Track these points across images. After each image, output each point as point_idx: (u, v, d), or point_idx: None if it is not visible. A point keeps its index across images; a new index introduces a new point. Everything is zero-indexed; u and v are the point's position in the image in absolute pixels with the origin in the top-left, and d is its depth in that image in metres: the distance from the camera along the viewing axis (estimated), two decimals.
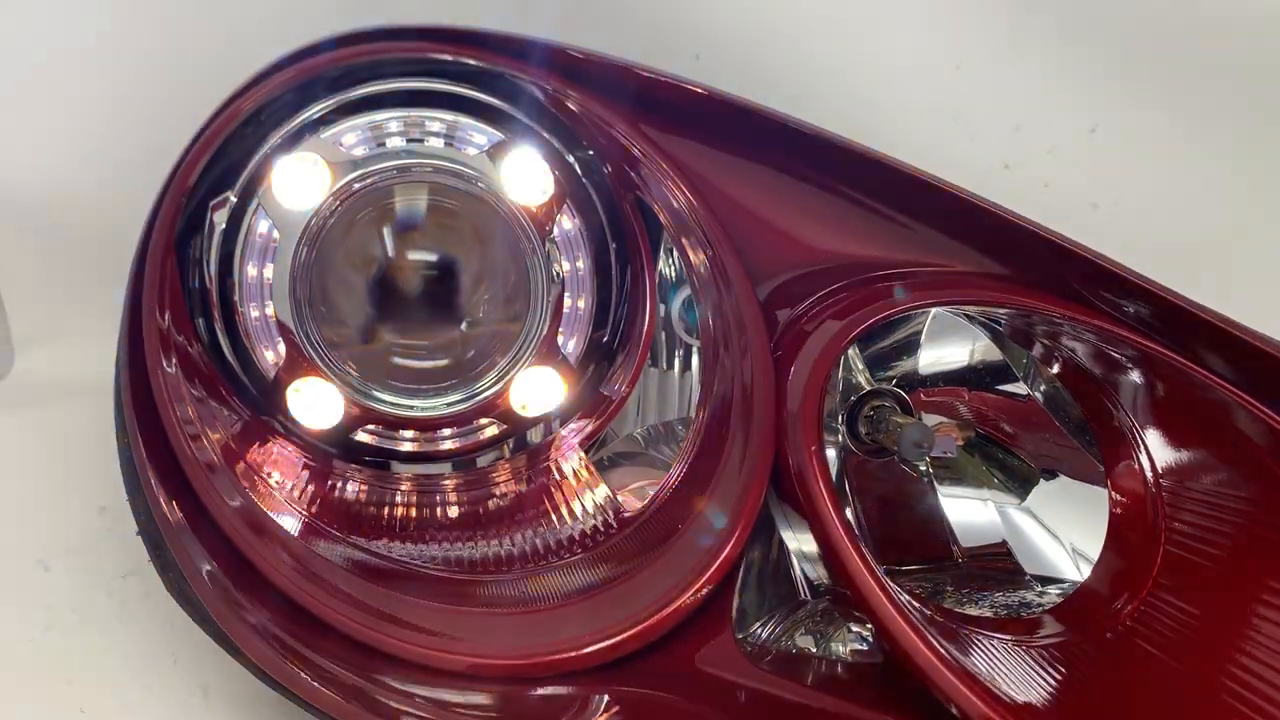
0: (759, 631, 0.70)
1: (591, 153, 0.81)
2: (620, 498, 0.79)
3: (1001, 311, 0.71)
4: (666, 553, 0.67)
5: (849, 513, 0.78)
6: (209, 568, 0.68)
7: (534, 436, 0.87)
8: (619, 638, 0.64)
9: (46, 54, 1.03)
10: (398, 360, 0.81)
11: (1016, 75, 1.14)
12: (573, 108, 0.76)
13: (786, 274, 0.72)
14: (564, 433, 0.85)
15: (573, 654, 0.64)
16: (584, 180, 0.82)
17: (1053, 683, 0.66)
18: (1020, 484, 0.78)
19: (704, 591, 0.64)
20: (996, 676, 0.64)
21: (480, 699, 0.65)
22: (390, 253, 0.80)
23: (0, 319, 1.11)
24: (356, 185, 0.78)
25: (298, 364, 0.79)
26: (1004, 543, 0.78)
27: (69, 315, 1.12)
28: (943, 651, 0.59)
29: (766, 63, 1.12)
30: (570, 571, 0.72)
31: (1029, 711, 0.62)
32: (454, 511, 0.82)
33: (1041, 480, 0.77)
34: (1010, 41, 1.12)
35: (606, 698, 0.63)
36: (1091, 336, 0.67)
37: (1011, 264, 0.69)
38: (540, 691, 0.65)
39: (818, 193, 0.73)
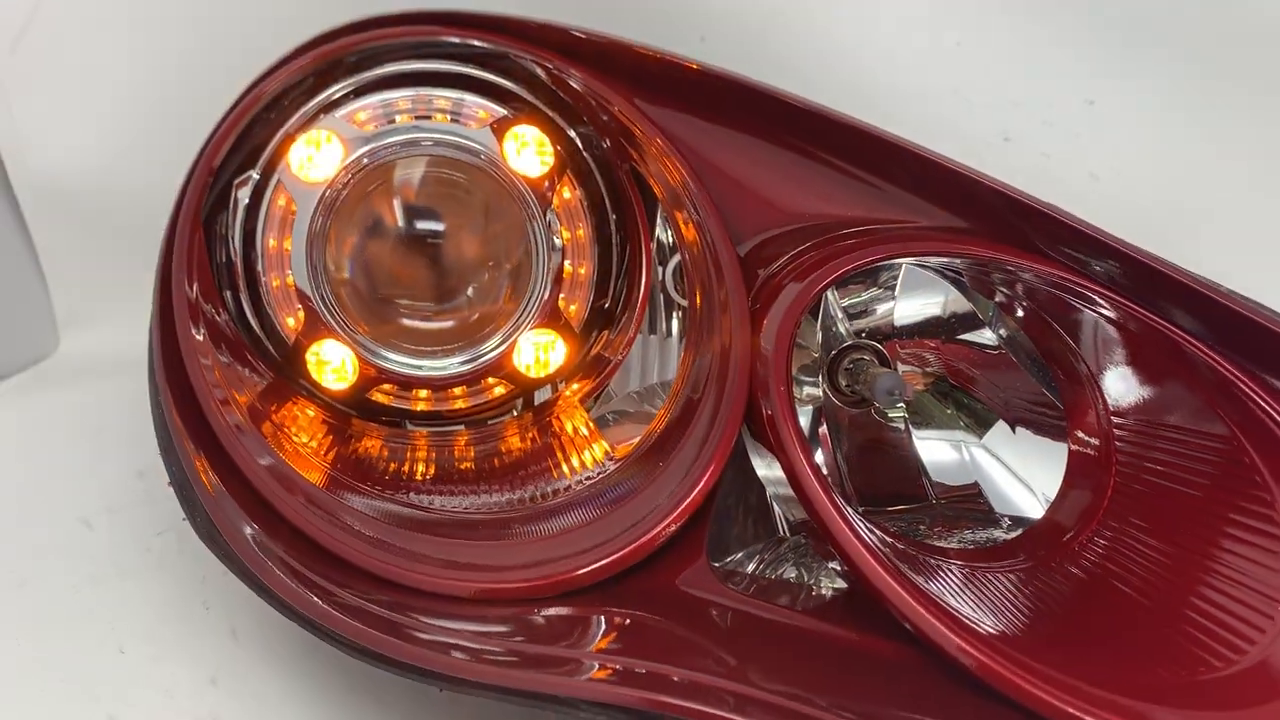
0: (744, 563, 0.76)
1: (591, 128, 0.86)
2: (617, 450, 0.84)
3: (961, 262, 0.75)
4: (647, 489, 0.73)
5: (824, 457, 0.84)
6: (238, 515, 0.73)
7: (540, 397, 0.92)
8: (601, 562, 0.70)
9: (92, 41, 1.10)
10: (407, 322, 0.87)
11: (1014, 51, 1.18)
12: (574, 85, 0.81)
13: (764, 234, 0.77)
14: (567, 393, 0.90)
15: (561, 576, 0.70)
16: (585, 154, 0.88)
17: (1012, 605, 0.71)
18: (987, 428, 0.83)
19: (674, 526, 0.69)
20: (956, 599, 0.69)
21: (492, 623, 0.70)
22: (399, 222, 0.86)
23: (44, 301, 1.18)
24: (366, 159, 0.83)
25: (315, 328, 0.85)
26: (975, 484, 0.82)
27: (111, 297, 1.18)
28: (901, 576, 0.64)
29: (770, 44, 1.17)
30: (563, 509, 0.77)
31: (990, 632, 0.66)
32: (465, 465, 0.88)
33: (1007, 424, 0.82)
34: (1007, 17, 1.15)
35: (603, 616, 0.68)
36: (1044, 284, 0.72)
37: (973, 218, 0.73)
38: (546, 612, 0.70)
39: (795, 157, 0.77)
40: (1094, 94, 1.20)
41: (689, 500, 0.70)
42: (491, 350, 0.88)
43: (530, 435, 0.90)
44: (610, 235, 0.89)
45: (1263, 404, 0.66)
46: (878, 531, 0.75)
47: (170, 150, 0.81)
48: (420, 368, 0.87)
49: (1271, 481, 0.66)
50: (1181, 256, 0.72)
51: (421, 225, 0.87)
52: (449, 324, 0.88)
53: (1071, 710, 0.61)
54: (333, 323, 0.85)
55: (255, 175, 0.84)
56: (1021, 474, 0.81)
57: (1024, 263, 0.71)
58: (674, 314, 0.89)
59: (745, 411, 0.71)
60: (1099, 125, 1.21)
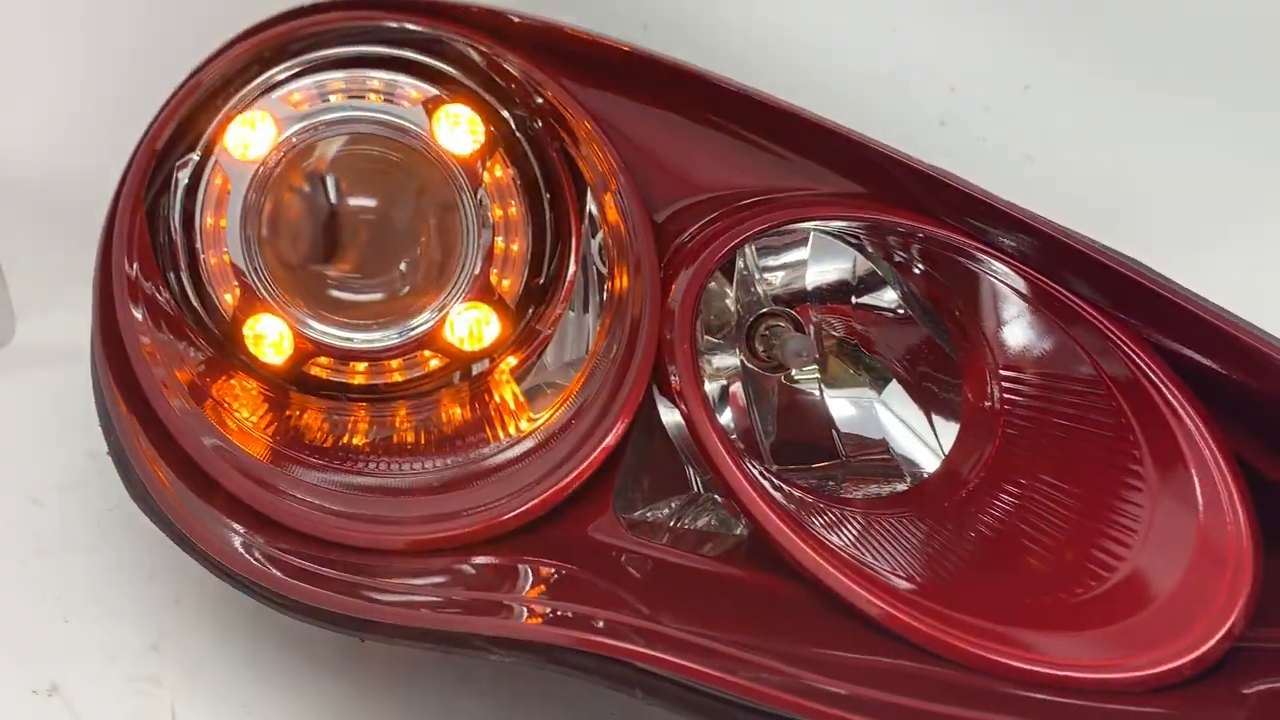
0: (659, 515, 0.80)
1: (525, 110, 0.89)
2: (542, 417, 0.87)
3: (860, 227, 0.78)
4: (559, 444, 0.76)
5: (739, 420, 0.87)
6: (171, 478, 0.75)
7: (478, 369, 0.95)
8: (518, 510, 0.74)
9: (42, 30, 1.13)
10: (340, 296, 0.91)
11: (950, 38, 1.20)
12: (509, 68, 0.84)
13: (678, 205, 0.81)
14: (502, 365, 0.93)
15: (483, 525, 0.74)
16: (518, 134, 0.90)
17: (906, 550, 0.75)
18: (888, 385, 0.86)
19: (582, 477, 0.74)
20: (856, 547, 0.73)
21: (426, 575, 0.74)
22: (331, 197, 0.89)
23: (1, 290, 1.20)
24: (297, 138, 0.86)
25: (251, 303, 0.88)
26: (881, 439, 0.86)
27: (68, 285, 1.19)
28: (798, 525, 0.67)
29: (711, 30, 1.19)
30: (492, 471, 0.81)
31: (883, 576, 0.70)
32: (405, 436, 0.91)
33: (909, 381, 0.85)
34: (945, 2, 1.18)
35: (526, 565, 0.73)
36: (937, 245, 0.75)
37: (869, 183, 0.76)
38: (475, 561, 0.74)
39: (710, 132, 0.80)
40: (1030, 79, 1.23)
41: (595, 453, 0.73)
42: (423, 324, 0.90)
43: (467, 406, 0.92)
44: (544, 214, 0.92)
45: (1138, 361, 0.70)
46: (786, 487, 0.78)
47: (125, 138, 0.83)
48: (354, 340, 0.90)
49: (1138, 428, 0.70)
50: (1114, 236, 0.75)
51: (353, 201, 0.90)
52: (380, 297, 0.91)
53: (954, 642, 0.64)
54: (267, 297, 0.88)
55: (195, 157, 0.87)
56: (919, 428, 0.84)
57: (917, 225, 0.74)
58: (603, 289, 0.92)
59: (652, 371, 0.74)
60: (1034, 110, 1.23)
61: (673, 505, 0.80)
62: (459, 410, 0.93)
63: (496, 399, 0.92)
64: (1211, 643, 0.65)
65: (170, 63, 0.83)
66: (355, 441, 0.90)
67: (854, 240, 0.85)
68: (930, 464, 0.84)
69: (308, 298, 0.90)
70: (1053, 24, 1.20)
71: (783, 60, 1.18)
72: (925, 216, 0.75)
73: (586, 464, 0.74)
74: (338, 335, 0.91)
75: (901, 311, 0.86)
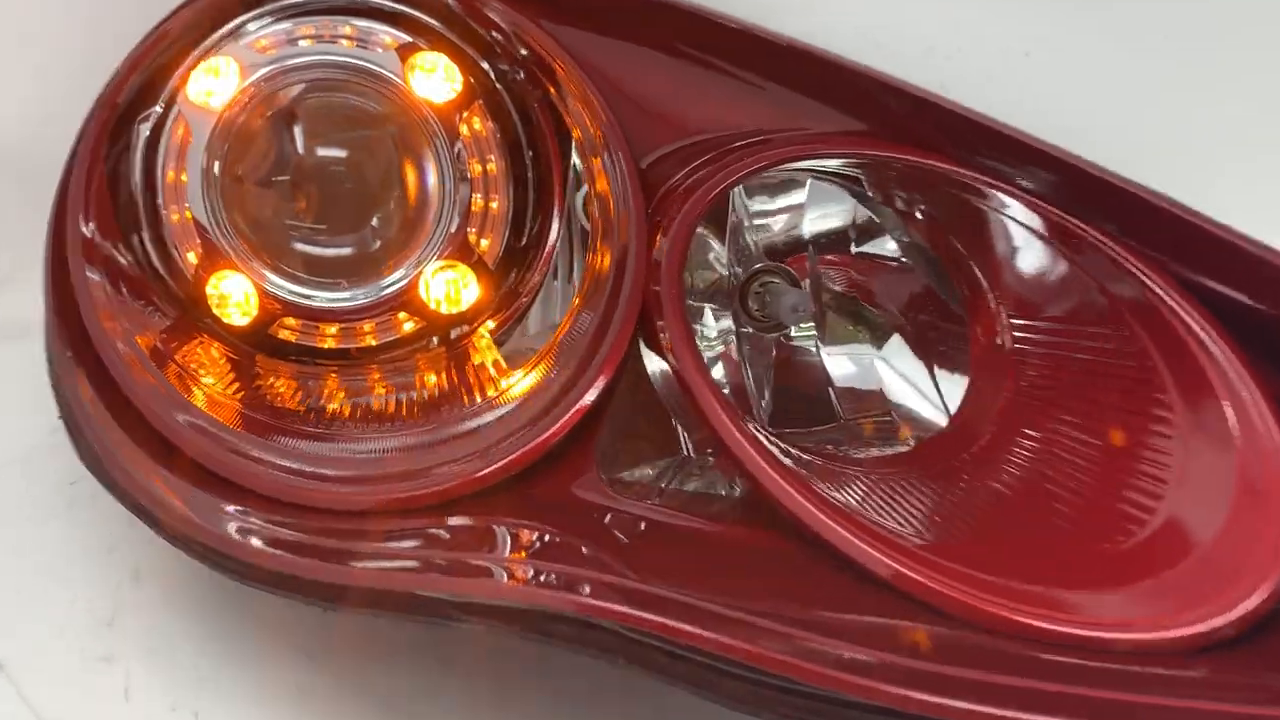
0: (646, 475, 0.75)
1: (506, 61, 0.85)
2: (522, 380, 0.82)
3: (860, 170, 0.74)
4: (535, 402, 0.71)
5: (734, 381, 0.82)
6: (123, 441, 0.71)
7: (455, 334, 0.90)
8: (495, 465, 0.69)
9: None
10: (307, 250, 0.85)
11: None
12: (491, 15, 0.80)
13: (665, 149, 0.76)
14: (481, 330, 0.88)
15: (458, 482, 0.70)
16: (499, 87, 0.85)
17: (918, 509, 0.69)
18: (890, 340, 0.81)
19: (560, 432, 0.69)
20: (863, 506, 0.68)
21: (401, 538, 0.69)
22: (298, 148, 0.84)
23: None
24: (264, 83, 0.81)
25: (214, 260, 0.83)
26: (882, 396, 0.81)
27: (32, 254, 1.15)
28: (796, 480, 0.62)
29: None
30: (470, 434, 0.76)
31: (893, 535, 0.65)
32: (379, 403, 0.86)
33: (911, 334, 0.81)
34: None
35: (504, 525, 0.68)
36: (943, 183, 0.70)
37: (869, 119, 0.72)
38: (453, 521, 0.69)
39: (695, 69, 0.76)
40: (1029, 46, 1.19)
41: (572, 411, 0.69)
42: (395, 283, 0.85)
43: (444, 372, 0.87)
44: (525, 171, 0.87)
45: (1154, 287, 0.65)
46: (783, 445, 0.73)
47: None
48: (322, 299, 0.85)
49: (1160, 359, 0.65)
50: None
51: (321, 152, 0.85)
52: (350, 252, 0.86)
53: (972, 601, 0.59)
54: (231, 253, 0.83)
55: (158, 110, 0.82)
56: (923, 384, 0.80)
57: (921, 159, 0.69)
58: (587, 247, 0.87)
59: (637, 325, 0.70)
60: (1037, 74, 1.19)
61: (660, 466, 0.76)
62: (436, 376, 0.88)
63: (475, 363, 0.87)
64: (1259, 597, 0.60)
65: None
66: (329, 407, 0.85)
67: (852, 185, 0.80)
68: (937, 420, 0.79)
69: (273, 254, 0.84)
70: None
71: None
72: (930, 152, 0.70)
73: (564, 420, 0.69)
74: (305, 294, 0.85)
75: (903, 260, 0.81)
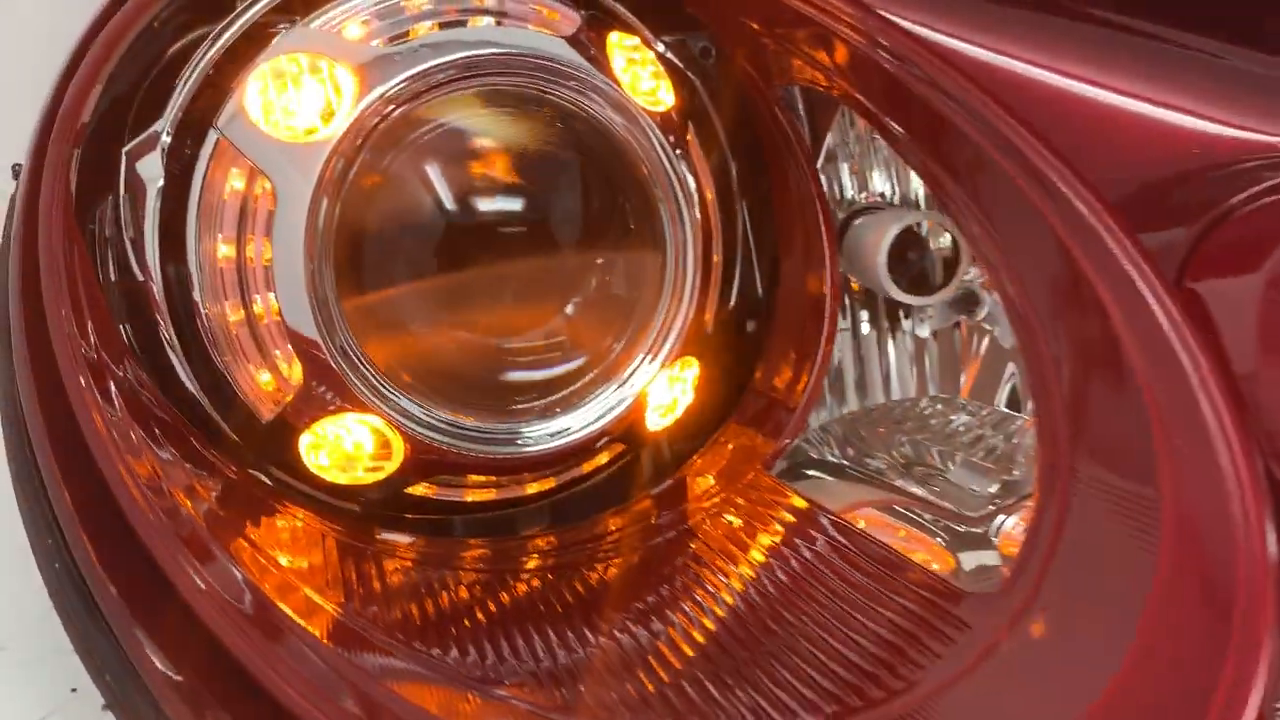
0: None
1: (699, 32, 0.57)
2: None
3: None
4: None
5: None
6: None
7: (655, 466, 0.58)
8: None
9: None
10: (476, 368, 0.51)
11: None
12: None
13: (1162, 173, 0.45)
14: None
15: None
16: (688, 73, 0.57)
17: None
18: None
19: None
20: None
21: None
22: (456, 203, 0.50)
23: None
24: (394, 93, 0.47)
25: (324, 392, 0.49)
26: None
27: None
28: None
29: None
30: None
31: None
32: (539, 596, 0.53)
33: None
34: None
35: None
36: None
37: None
38: None
39: None
40: None
41: None
42: (619, 403, 0.53)
43: (660, 534, 0.55)
44: (732, 196, 0.59)
45: None
46: None
47: None
48: (497, 438, 0.52)
49: None
50: None
51: (493, 205, 0.51)
52: (547, 369, 0.52)
53: None
54: (356, 383, 0.49)
55: (165, 135, 0.50)
56: None
57: None
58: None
59: None
60: None
61: None
62: (644, 543, 0.55)
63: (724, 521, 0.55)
64: None
65: None
66: (462, 601, 0.52)
67: None
68: None
69: (425, 375, 0.51)
70: None
71: None
72: None
73: None
74: (471, 431, 0.52)
75: None
